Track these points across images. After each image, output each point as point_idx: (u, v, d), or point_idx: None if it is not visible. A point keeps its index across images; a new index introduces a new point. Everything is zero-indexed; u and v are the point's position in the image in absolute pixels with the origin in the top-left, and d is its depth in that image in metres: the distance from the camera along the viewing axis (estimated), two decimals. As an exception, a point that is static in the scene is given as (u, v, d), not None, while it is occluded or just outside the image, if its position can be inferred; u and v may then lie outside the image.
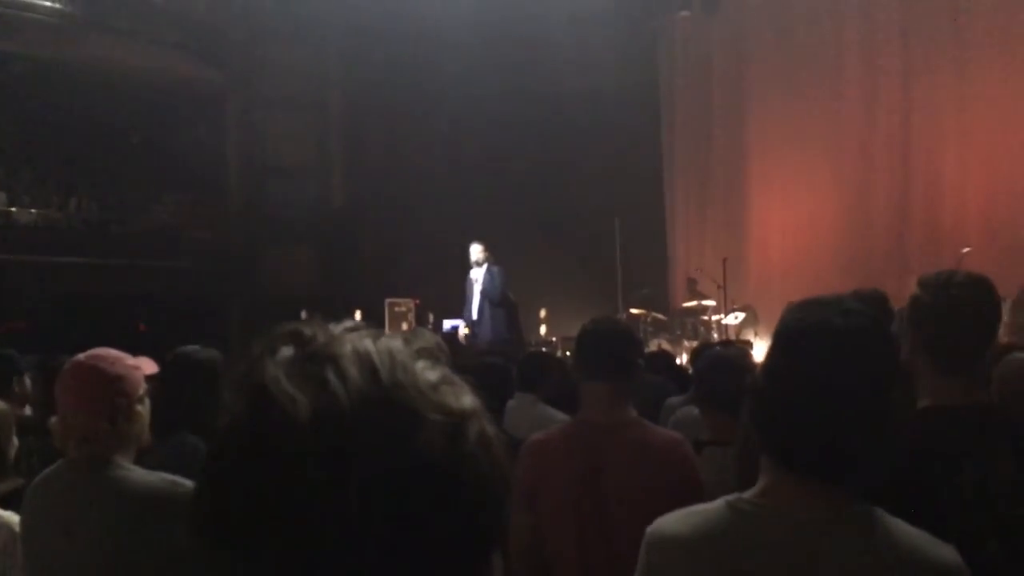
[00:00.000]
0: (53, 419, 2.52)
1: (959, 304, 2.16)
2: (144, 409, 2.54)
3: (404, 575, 0.66)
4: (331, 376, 0.67)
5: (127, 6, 14.62)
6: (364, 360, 0.69)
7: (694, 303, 13.87)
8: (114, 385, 2.44)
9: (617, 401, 2.91)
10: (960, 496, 1.97)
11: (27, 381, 4.52)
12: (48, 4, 14.11)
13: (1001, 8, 12.55)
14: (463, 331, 11.51)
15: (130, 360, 2.54)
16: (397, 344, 0.72)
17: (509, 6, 15.17)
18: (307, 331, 0.72)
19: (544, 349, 11.21)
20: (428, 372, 0.71)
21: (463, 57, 15.25)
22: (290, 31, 16.04)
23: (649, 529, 1.58)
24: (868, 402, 1.46)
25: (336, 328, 0.73)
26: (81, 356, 2.49)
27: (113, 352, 2.54)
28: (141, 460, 2.55)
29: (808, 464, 1.46)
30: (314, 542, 0.64)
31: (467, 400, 0.72)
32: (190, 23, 15.30)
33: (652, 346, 11.77)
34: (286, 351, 0.70)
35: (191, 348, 3.55)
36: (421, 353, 0.73)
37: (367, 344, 0.71)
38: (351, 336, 0.72)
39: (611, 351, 2.92)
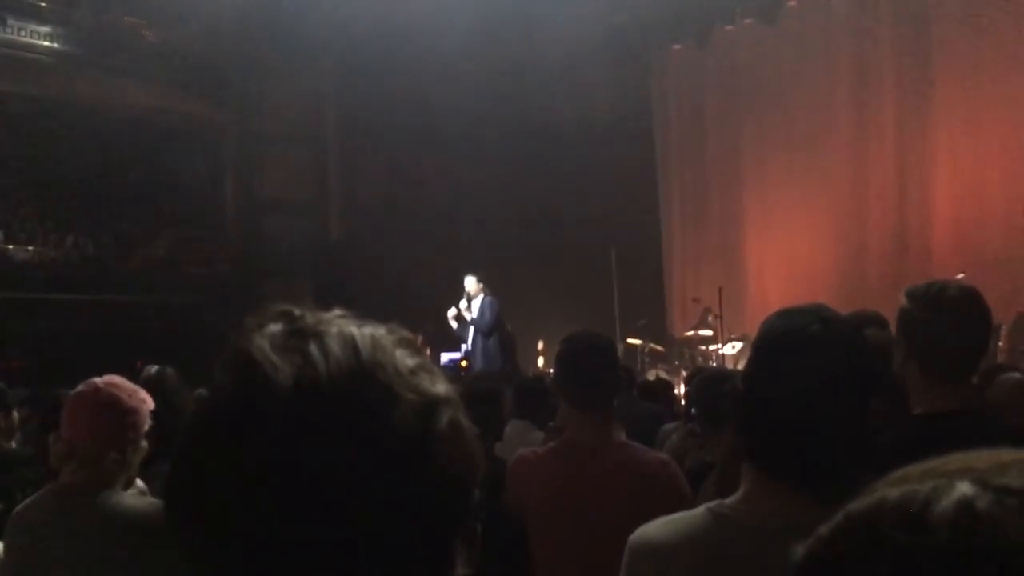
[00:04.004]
0: (52, 436, 2.52)
1: (949, 314, 2.16)
2: (145, 443, 2.55)
3: (364, 548, 0.68)
4: (313, 350, 0.71)
5: (124, 44, 14.71)
6: (347, 339, 0.73)
7: (691, 333, 13.85)
8: (127, 418, 2.47)
9: (603, 425, 2.89)
10: None
11: (15, 415, 4.52)
12: (45, 43, 14.21)
13: (990, 44, 12.66)
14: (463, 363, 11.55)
15: (142, 393, 2.57)
16: (381, 331, 0.78)
17: (505, 40, 15.28)
18: (296, 311, 0.77)
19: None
20: (407, 358, 0.76)
21: (459, 91, 15.33)
22: (287, 67, 16.14)
23: (632, 536, 1.58)
24: (845, 409, 1.45)
25: (326, 313, 0.78)
26: (98, 381, 2.51)
27: (128, 383, 2.57)
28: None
29: (786, 470, 1.46)
30: (285, 509, 0.66)
31: (442, 387, 0.76)
32: (187, 60, 15.38)
33: (650, 376, 11.69)
34: (274, 327, 0.74)
35: (153, 368, 3.60)
36: (402, 343, 0.78)
37: (352, 328, 0.76)
38: (339, 320, 0.77)
39: (594, 381, 2.88)
